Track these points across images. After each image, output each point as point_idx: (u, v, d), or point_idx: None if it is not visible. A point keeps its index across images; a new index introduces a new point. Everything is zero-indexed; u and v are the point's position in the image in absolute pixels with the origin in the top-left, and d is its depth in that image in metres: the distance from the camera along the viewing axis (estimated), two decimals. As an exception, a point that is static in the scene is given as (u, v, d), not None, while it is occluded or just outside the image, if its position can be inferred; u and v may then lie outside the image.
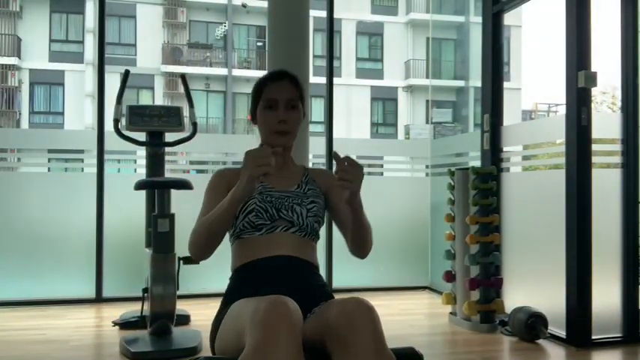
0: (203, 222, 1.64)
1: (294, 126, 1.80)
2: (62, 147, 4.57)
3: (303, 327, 1.43)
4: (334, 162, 1.57)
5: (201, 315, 3.51)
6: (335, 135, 4.54)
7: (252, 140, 7.74)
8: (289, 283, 1.64)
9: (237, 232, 1.74)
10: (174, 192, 3.15)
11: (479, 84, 4.02)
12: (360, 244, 1.72)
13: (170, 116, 3.53)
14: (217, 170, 1.84)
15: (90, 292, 4.12)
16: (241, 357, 1.35)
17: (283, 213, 1.73)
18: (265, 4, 4.00)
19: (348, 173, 1.56)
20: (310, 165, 4.11)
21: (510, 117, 4.04)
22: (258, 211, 1.71)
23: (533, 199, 3.57)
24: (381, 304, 3.69)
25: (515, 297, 3.64)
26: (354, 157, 5.38)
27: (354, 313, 1.41)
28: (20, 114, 18.39)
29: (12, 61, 18.16)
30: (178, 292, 3.07)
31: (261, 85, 1.82)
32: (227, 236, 1.77)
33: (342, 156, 1.57)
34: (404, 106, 20.77)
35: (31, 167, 4.72)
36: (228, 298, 1.69)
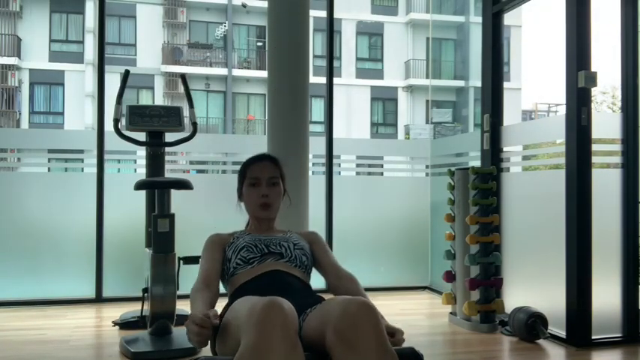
0: (192, 299, 1.78)
1: (275, 200, 2.05)
2: (62, 147, 4.57)
3: (303, 326, 1.44)
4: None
5: (201, 315, 3.51)
6: (335, 135, 4.54)
7: (252, 140, 7.74)
8: (286, 290, 1.70)
9: (232, 271, 1.90)
10: (174, 192, 3.15)
11: (479, 84, 4.01)
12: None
13: (170, 116, 3.52)
14: (210, 235, 2.07)
15: (90, 292, 4.12)
16: (236, 357, 1.36)
17: (272, 248, 1.95)
18: (265, 4, 4.00)
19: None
20: (310, 165, 4.12)
21: (510, 117, 4.04)
22: (249, 247, 1.93)
23: (533, 199, 3.57)
24: (381, 304, 3.69)
25: (515, 297, 3.64)
26: (353, 157, 5.36)
27: (357, 313, 1.42)
28: (20, 114, 18.38)
29: (12, 61, 18.16)
30: (178, 292, 3.07)
31: (245, 166, 2.11)
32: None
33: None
34: (404, 106, 20.77)
35: (31, 167, 4.71)
36: (227, 307, 1.75)
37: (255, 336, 1.35)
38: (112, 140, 3.94)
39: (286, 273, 1.86)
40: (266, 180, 2.04)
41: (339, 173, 4.73)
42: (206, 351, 2.59)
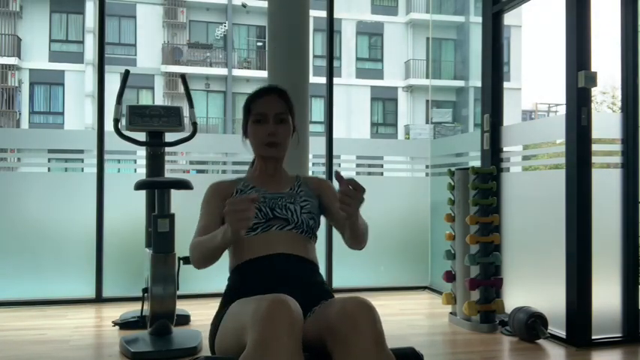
0: (197, 245, 1.68)
1: (283, 138, 1.85)
2: (62, 147, 4.57)
3: (303, 326, 1.44)
4: (335, 180, 1.58)
5: (201, 315, 3.51)
6: (335, 135, 4.54)
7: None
8: (288, 281, 1.65)
9: None
10: (174, 192, 3.15)
11: (479, 84, 4.01)
12: (356, 241, 1.74)
13: (170, 116, 3.53)
14: (211, 184, 1.88)
15: (90, 292, 4.12)
16: (243, 355, 1.36)
17: (277, 212, 1.77)
18: (265, 4, 4.00)
19: (350, 198, 1.56)
20: (310, 165, 4.11)
21: (510, 117, 4.04)
22: None
23: (533, 199, 3.57)
24: (381, 304, 3.69)
25: (515, 297, 3.64)
26: (353, 157, 5.34)
27: (354, 312, 1.42)
28: (20, 114, 18.39)
29: (12, 61, 18.17)
30: (178, 292, 3.07)
31: (250, 101, 1.89)
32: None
33: (345, 177, 1.56)
34: (404, 106, 20.77)
35: (31, 167, 4.72)
36: (228, 297, 1.70)
37: (262, 334, 1.34)
38: (112, 140, 3.94)
39: (290, 256, 1.72)
40: (273, 116, 1.83)
41: (339, 173, 4.72)
42: (206, 351, 2.58)
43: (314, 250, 1.84)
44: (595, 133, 3.11)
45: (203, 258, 1.65)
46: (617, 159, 3.27)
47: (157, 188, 3.13)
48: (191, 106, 3.67)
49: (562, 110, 3.97)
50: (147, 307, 3.10)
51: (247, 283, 1.69)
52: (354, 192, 1.55)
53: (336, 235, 1.89)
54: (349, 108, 18.96)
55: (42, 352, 2.96)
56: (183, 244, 3.20)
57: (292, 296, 1.45)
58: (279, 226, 1.76)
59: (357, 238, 1.71)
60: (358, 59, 20.61)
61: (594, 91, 3.07)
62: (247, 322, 1.40)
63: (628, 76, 3.22)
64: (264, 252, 1.72)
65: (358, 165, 4.97)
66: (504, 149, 3.84)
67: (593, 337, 3.09)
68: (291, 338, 1.34)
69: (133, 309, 3.56)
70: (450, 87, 19.97)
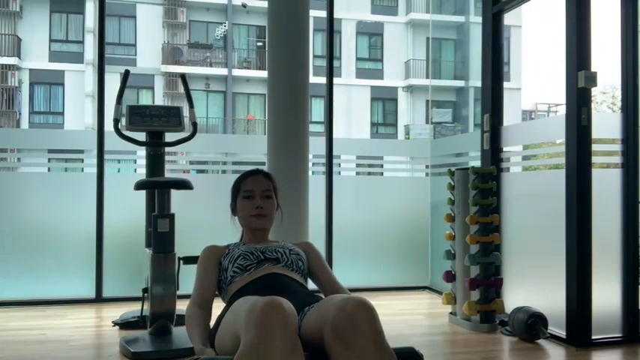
0: (188, 321, 1.86)
1: (270, 211, 2.08)
2: (62, 147, 4.57)
3: (302, 325, 1.44)
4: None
5: (201, 315, 3.50)
6: (335, 135, 4.54)
7: (252, 140, 7.75)
8: (282, 290, 1.71)
9: (229, 280, 1.92)
10: (174, 192, 3.15)
11: (479, 84, 4.01)
12: None
13: (170, 116, 3.52)
14: (206, 247, 2.10)
15: (90, 292, 4.12)
16: (236, 356, 1.36)
17: (268, 254, 1.97)
18: (265, 4, 4.00)
19: None
20: (310, 165, 4.11)
21: (510, 117, 4.04)
22: (245, 255, 1.95)
23: (533, 199, 3.57)
24: (381, 304, 3.69)
25: (515, 297, 3.64)
26: (353, 157, 5.34)
27: (354, 312, 1.42)
28: (20, 114, 18.38)
29: (12, 61, 18.15)
30: (178, 292, 3.07)
31: (239, 181, 2.13)
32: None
33: None
34: (404, 106, 20.76)
35: (31, 167, 4.71)
36: (230, 301, 1.78)
37: (255, 335, 1.35)
38: (112, 140, 3.94)
39: (284, 275, 1.89)
40: (260, 192, 2.07)
41: (339, 173, 4.73)
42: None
43: (306, 283, 2.00)
44: (595, 133, 3.11)
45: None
46: (617, 159, 3.27)
47: (157, 188, 3.13)
48: (191, 106, 3.67)
49: (562, 110, 3.97)
50: (147, 307, 3.10)
51: (248, 290, 1.78)
52: None
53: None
54: (349, 108, 18.95)
55: (42, 352, 2.96)
56: (183, 244, 3.22)
57: (288, 299, 1.47)
58: (271, 263, 1.93)
59: None
60: (358, 59, 20.60)
61: (594, 91, 3.07)
62: (242, 323, 1.43)
63: (628, 76, 3.22)
64: (258, 275, 1.88)
65: (358, 165, 4.97)
66: (504, 149, 3.84)
67: (593, 337, 3.09)
68: (283, 340, 1.35)
69: (133, 309, 3.56)
70: (450, 87, 19.95)
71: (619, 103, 3.51)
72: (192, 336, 1.77)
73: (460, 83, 20.04)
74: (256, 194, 2.06)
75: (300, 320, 1.56)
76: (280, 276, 1.87)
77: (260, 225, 2.07)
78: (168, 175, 3.76)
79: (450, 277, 3.70)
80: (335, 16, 4.57)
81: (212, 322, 1.87)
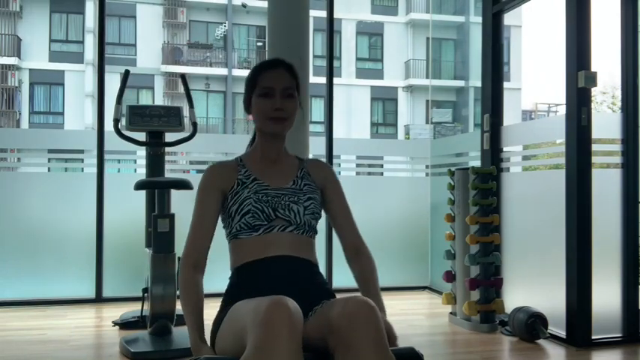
0: (182, 292, 1.73)
1: (290, 113, 1.76)
2: (62, 147, 4.57)
3: (304, 326, 1.43)
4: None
5: (201, 315, 3.50)
6: (335, 135, 4.54)
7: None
8: (290, 283, 1.65)
9: (234, 233, 1.74)
10: (174, 192, 3.15)
11: (479, 84, 4.02)
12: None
13: (170, 116, 3.52)
14: (210, 167, 1.85)
15: (90, 292, 4.12)
16: (243, 358, 1.35)
17: (280, 212, 1.72)
18: (265, 4, 4.00)
19: None
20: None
21: (510, 117, 4.04)
22: (255, 212, 1.70)
23: (533, 199, 3.57)
24: (381, 304, 3.69)
25: (515, 297, 3.64)
26: (353, 157, 5.32)
27: (355, 313, 1.41)
28: (20, 114, 18.39)
29: (12, 61, 18.17)
30: (178, 292, 3.06)
31: (255, 74, 1.78)
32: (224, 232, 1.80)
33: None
34: (404, 106, 20.77)
35: (31, 167, 4.72)
36: (229, 297, 1.70)
37: (261, 336, 1.33)
38: (112, 140, 3.94)
39: (290, 258, 1.69)
40: (280, 91, 1.73)
41: (339, 173, 4.73)
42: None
43: (314, 249, 1.81)
44: (595, 133, 3.11)
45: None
46: (617, 159, 3.27)
47: (157, 188, 3.13)
48: (191, 106, 3.67)
49: (562, 110, 3.97)
50: (147, 307, 3.10)
51: (248, 284, 1.67)
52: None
53: (337, 235, 1.88)
54: (349, 108, 18.95)
55: (42, 352, 2.96)
56: (183, 244, 3.21)
57: (293, 297, 1.45)
58: (281, 227, 1.71)
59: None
60: (358, 59, 20.61)
61: (594, 91, 3.07)
62: (247, 325, 1.39)
63: (628, 76, 3.22)
64: (264, 254, 1.69)
65: (358, 165, 4.97)
66: (504, 149, 3.84)
67: (593, 337, 3.09)
68: (290, 340, 1.33)
69: (133, 309, 3.56)
70: (450, 87, 19.96)
71: (619, 103, 3.51)
72: (187, 321, 1.64)
73: (460, 83, 20.05)
74: (276, 92, 1.73)
75: (305, 319, 1.53)
76: (286, 263, 1.68)
77: (277, 130, 1.75)
78: (168, 175, 3.76)
79: (450, 277, 3.70)
80: (335, 16, 4.57)
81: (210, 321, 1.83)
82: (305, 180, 1.82)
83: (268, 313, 1.35)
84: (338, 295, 1.64)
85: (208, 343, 1.67)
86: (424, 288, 4.73)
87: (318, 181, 1.84)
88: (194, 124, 3.61)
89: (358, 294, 1.64)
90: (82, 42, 18.71)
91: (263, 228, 1.71)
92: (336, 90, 4.62)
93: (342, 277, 4.49)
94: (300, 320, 1.39)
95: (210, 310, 1.74)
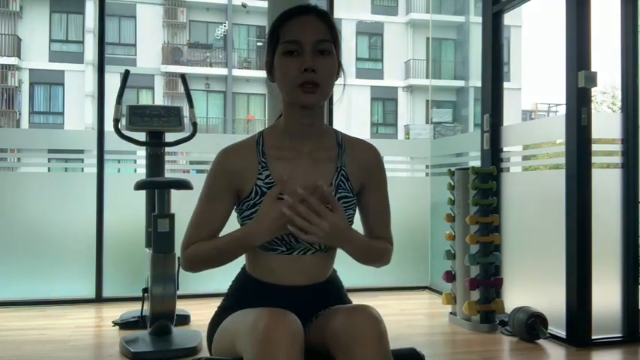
0: (203, 253, 1.42)
1: (326, 77, 1.33)
2: (62, 147, 4.57)
3: (307, 333, 1.39)
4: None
5: (201, 315, 3.51)
6: (335, 135, 4.53)
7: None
8: (298, 311, 1.41)
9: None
10: (174, 192, 3.15)
11: (479, 84, 4.01)
12: (360, 261, 1.55)
13: (170, 116, 3.53)
14: (223, 151, 1.43)
15: (90, 292, 4.12)
16: None
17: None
18: (265, 4, 4.00)
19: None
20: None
21: (510, 117, 4.05)
22: (274, 239, 1.40)
23: (533, 199, 3.57)
24: (381, 304, 3.69)
25: (515, 297, 3.64)
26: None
27: (361, 324, 1.33)
28: (20, 114, 18.39)
29: (12, 61, 18.18)
30: (178, 292, 3.07)
31: (278, 25, 1.36)
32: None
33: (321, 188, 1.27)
34: (404, 106, 20.78)
35: (31, 167, 4.72)
36: (231, 304, 1.54)
37: (259, 351, 1.24)
38: (112, 140, 3.94)
39: (308, 288, 1.47)
40: (311, 45, 1.31)
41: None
42: (205, 351, 2.58)
43: (334, 256, 1.57)
44: (595, 133, 3.11)
45: (207, 265, 1.43)
46: (617, 159, 3.27)
47: (157, 188, 3.13)
48: (191, 106, 3.67)
49: (562, 110, 3.97)
50: (147, 307, 3.10)
51: (254, 302, 1.46)
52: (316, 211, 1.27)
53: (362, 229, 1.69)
54: (349, 108, 18.96)
55: (42, 352, 2.96)
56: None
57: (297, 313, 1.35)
58: (302, 250, 1.44)
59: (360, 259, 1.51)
60: (358, 59, 20.62)
61: (594, 91, 3.06)
62: (244, 337, 1.31)
63: (628, 76, 3.22)
64: (278, 280, 1.46)
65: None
66: (504, 149, 3.84)
67: (593, 337, 3.09)
68: (290, 357, 1.25)
69: (133, 309, 3.55)
70: (450, 87, 19.98)
71: (619, 103, 3.51)
72: (226, 242, 1.37)
73: (460, 83, 20.06)
74: (305, 48, 1.30)
75: (307, 331, 1.46)
76: (303, 293, 1.46)
77: (307, 100, 1.33)
78: (168, 175, 3.76)
79: (450, 277, 3.70)
80: (335, 16, 4.57)
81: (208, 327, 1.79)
82: (341, 187, 1.44)
83: (267, 329, 1.26)
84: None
85: (205, 344, 1.62)
86: (424, 288, 4.73)
87: (356, 182, 1.47)
88: (194, 124, 3.62)
89: (357, 294, 1.59)
90: (82, 42, 18.72)
91: (281, 250, 1.44)
92: (336, 90, 4.61)
93: (343, 277, 4.50)
94: (300, 335, 1.30)
95: (211, 310, 1.74)
